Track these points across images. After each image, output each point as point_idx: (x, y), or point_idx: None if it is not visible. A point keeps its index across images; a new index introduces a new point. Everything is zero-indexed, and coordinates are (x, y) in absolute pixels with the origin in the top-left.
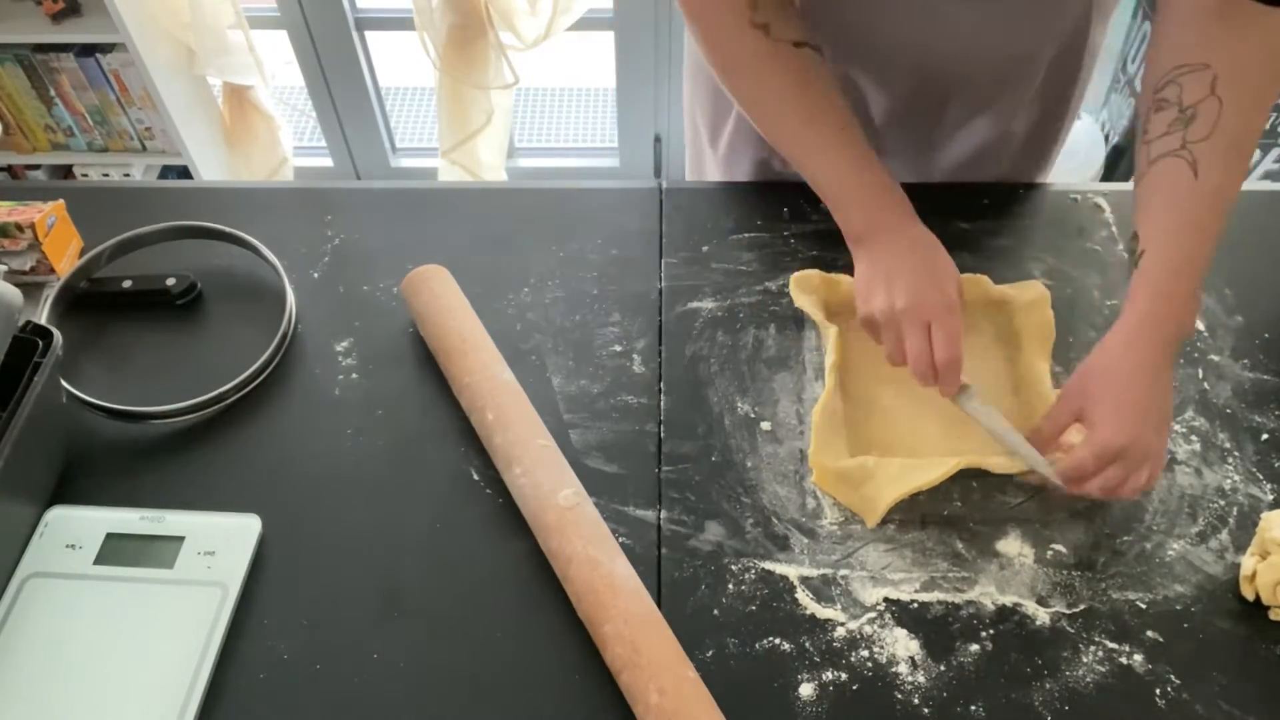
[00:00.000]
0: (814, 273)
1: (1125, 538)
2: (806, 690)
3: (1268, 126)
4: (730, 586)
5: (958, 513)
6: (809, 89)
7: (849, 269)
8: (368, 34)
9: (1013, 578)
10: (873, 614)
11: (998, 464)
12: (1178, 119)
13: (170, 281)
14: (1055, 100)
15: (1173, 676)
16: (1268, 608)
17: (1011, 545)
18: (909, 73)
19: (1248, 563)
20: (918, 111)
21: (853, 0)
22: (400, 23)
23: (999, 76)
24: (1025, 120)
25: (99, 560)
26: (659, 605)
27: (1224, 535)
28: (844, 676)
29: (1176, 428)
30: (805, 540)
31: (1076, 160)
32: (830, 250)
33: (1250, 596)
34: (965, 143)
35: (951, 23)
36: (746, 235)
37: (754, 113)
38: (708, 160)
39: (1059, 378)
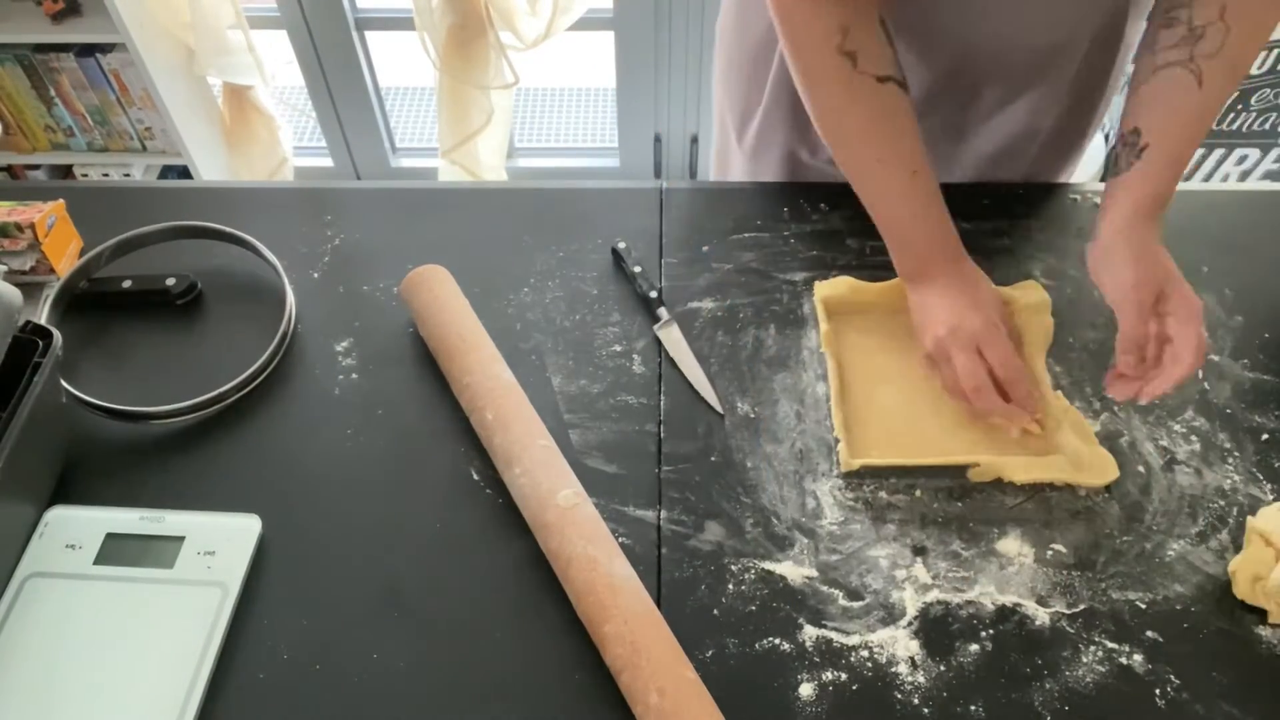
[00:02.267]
0: (843, 279)
1: (1125, 538)
2: (806, 690)
3: (1267, 126)
4: (730, 586)
5: (958, 513)
6: (885, 127)
7: (848, 269)
8: (368, 34)
9: (1013, 578)
10: (873, 614)
11: (1011, 464)
12: (1187, 35)
13: (170, 281)
14: (1085, 96)
15: (1172, 676)
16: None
17: (1011, 545)
18: (948, 53)
19: (1234, 562)
20: (952, 93)
21: None
22: (400, 23)
23: (1036, 63)
24: (1054, 115)
25: (99, 560)
26: (659, 605)
27: (1224, 535)
28: (844, 676)
29: (1176, 428)
30: (805, 540)
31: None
32: (830, 250)
33: (1239, 595)
34: (995, 133)
35: (994, 3)
36: (746, 235)
37: (827, 133)
38: (734, 154)
39: (1057, 377)
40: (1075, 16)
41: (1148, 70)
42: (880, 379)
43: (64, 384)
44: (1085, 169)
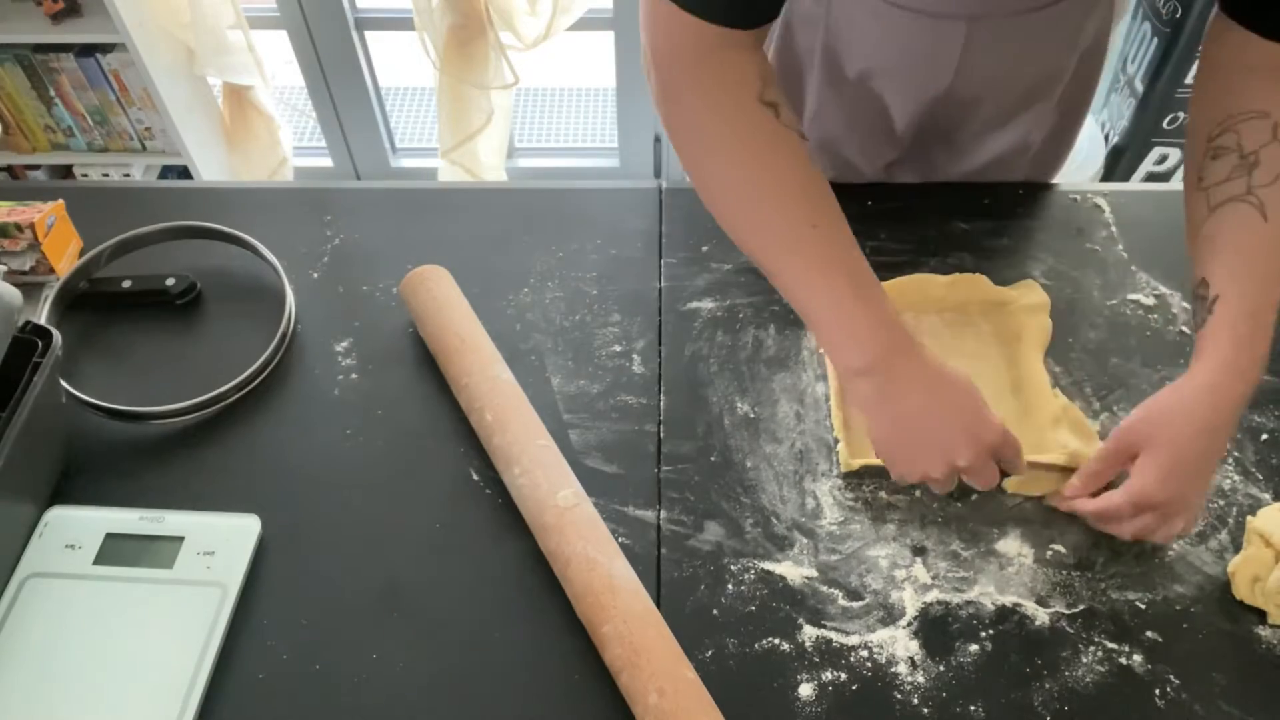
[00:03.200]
0: None
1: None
2: (806, 690)
3: None
4: (730, 587)
5: (957, 513)
6: (819, 188)
7: None
8: (368, 34)
9: (1012, 578)
10: (872, 614)
11: (1009, 482)
12: (1239, 165)
13: (170, 281)
14: (1072, 107)
15: (1172, 676)
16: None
17: (1011, 545)
18: (936, 87)
19: (1233, 562)
20: (941, 121)
21: (883, 13)
22: (400, 23)
23: (1026, 93)
24: (1043, 130)
25: (99, 560)
26: (658, 605)
27: (1223, 535)
28: (843, 676)
29: None
30: (805, 540)
31: (1076, 160)
32: None
33: (1238, 595)
34: (986, 150)
35: (982, 44)
36: None
37: (743, 198)
38: None
39: (1057, 377)
40: (1062, 46)
41: (1204, 211)
42: None
43: (64, 384)
44: (1085, 169)
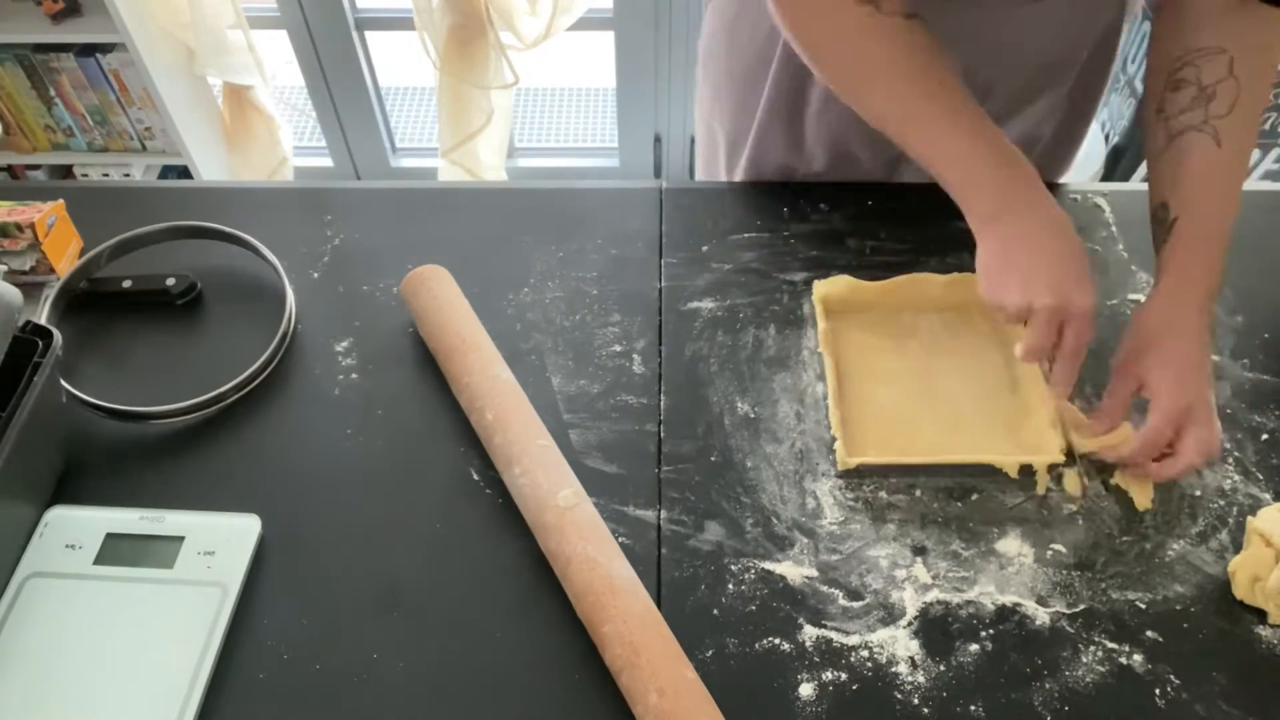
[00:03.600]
0: (842, 278)
1: (1125, 538)
2: (806, 690)
3: (1267, 127)
4: (730, 586)
5: (957, 513)
6: (923, 59)
7: (848, 269)
8: (368, 34)
9: (1012, 578)
10: (872, 614)
11: (999, 459)
12: (1198, 96)
13: (170, 281)
14: (1081, 103)
15: (1172, 677)
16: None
17: (1011, 545)
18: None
19: (1234, 562)
20: None
21: None
22: (400, 23)
23: (1037, 78)
24: (1053, 123)
25: (99, 560)
26: (658, 605)
27: (1224, 535)
28: (844, 676)
29: None
30: (805, 540)
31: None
32: (830, 250)
33: (1238, 595)
34: None
35: (998, 21)
36: (746, 235)
37: (857, 91)
38: (724, 172)
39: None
40: (1077, 31)
41: (1163, 139)
42: (879, 378)
43: (64, 384)
44: (1085, 169)
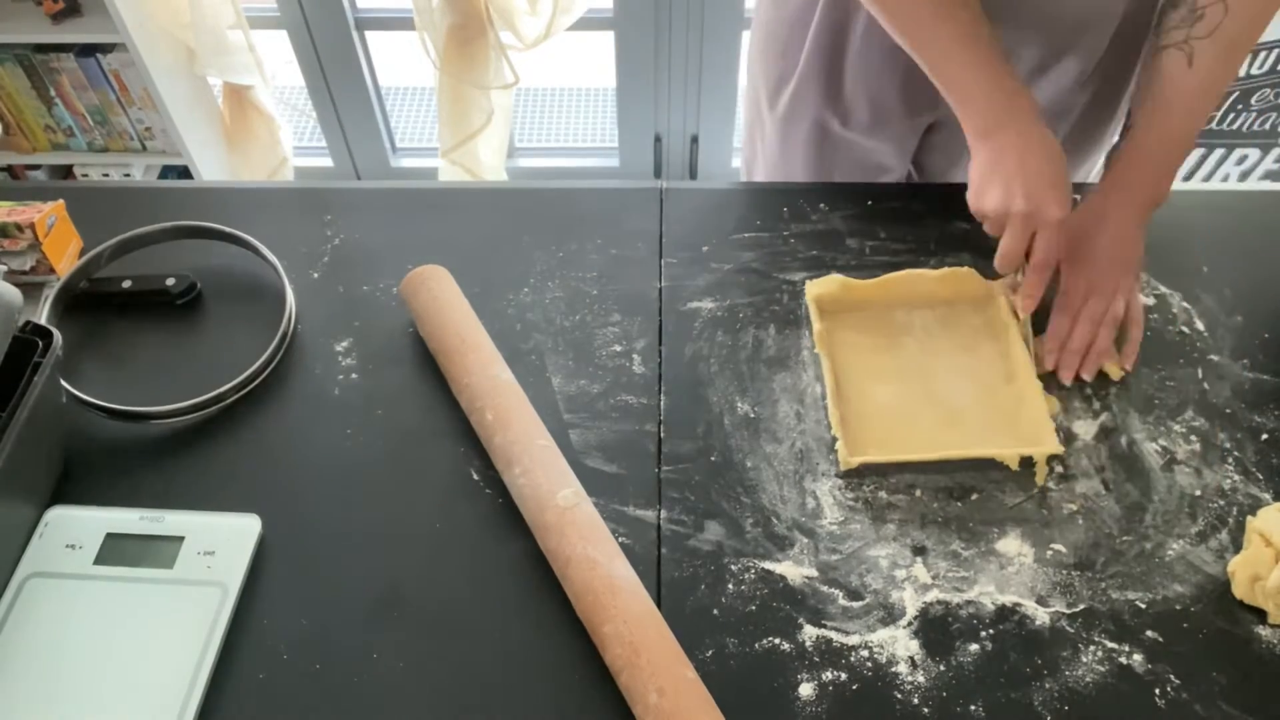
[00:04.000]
0: (834, 277)
1: (1125, 538)
2: (806, 690)
3: (1267, 126)
4: (730, 586)
5: (957, 512)
6: None
7: (847, 269)
8: (368, 34)
9: (1012, 577)
10: (872, 614)
11: (999, 453)
12: (1186, 16)
13: (170, 281)
14: (1112, 78)
15: (1172, 676)
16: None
17: (1011, 545)
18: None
19: (1233, 562)
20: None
21: None
22: (400, 23)
23: (1077, 20)
24: (1084, 97)
25: (99, 560)
26: (658, 605)
27: (1223, 535)
28: (844, 676)
29: (1176, 428)
30: (805, 540)
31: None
32: (830, 250)
33: (1238, 595)
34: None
35: None
36: (747, 235)
37: (885, 8)
38: (766, 123)
39: (1056, 377)
40: None
41: (1149, 53)
42: (876, 377)
43: (64, 384)
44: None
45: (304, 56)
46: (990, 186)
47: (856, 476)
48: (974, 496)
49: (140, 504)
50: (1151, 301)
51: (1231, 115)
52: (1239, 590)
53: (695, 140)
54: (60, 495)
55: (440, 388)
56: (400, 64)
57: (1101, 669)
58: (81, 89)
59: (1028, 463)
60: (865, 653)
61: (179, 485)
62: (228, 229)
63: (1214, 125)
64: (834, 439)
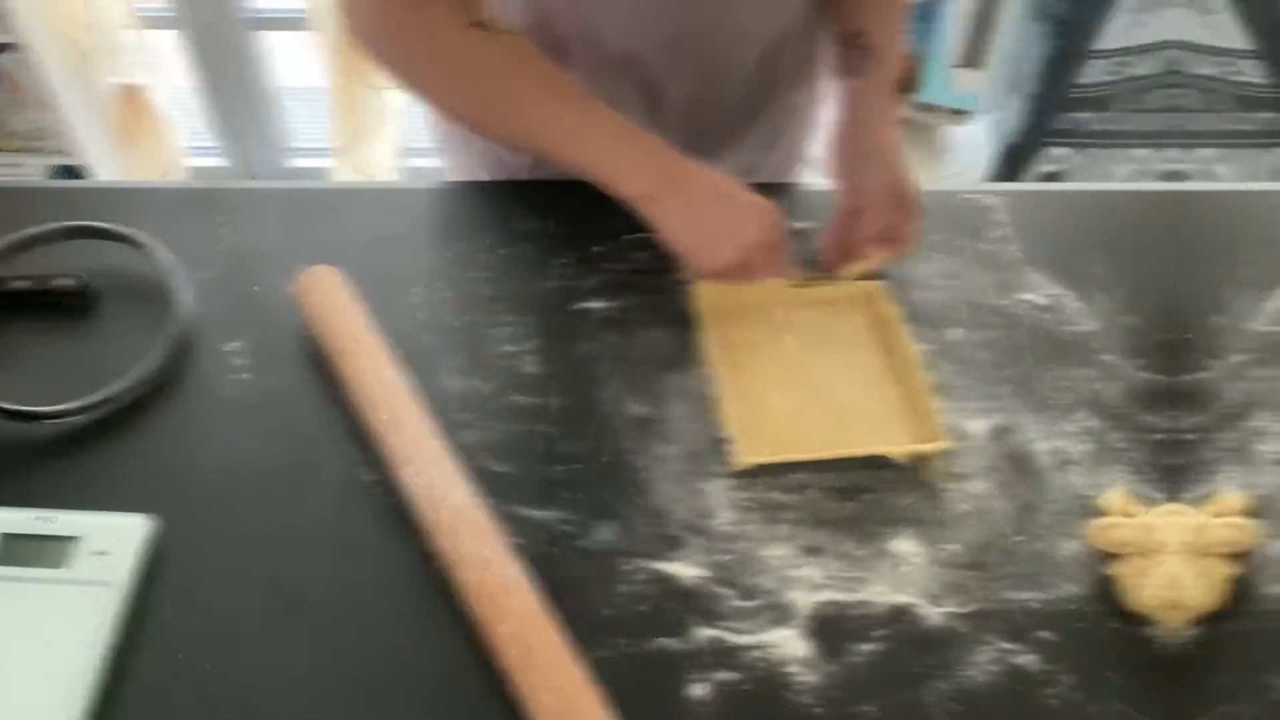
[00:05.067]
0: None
1: (1018, 538)
2: (698, 690)
3: (1161, 127)
4: (622, 587)
5: (850, 512)
6: (545, 68)
7: None
8: (261, 34)
9: (905, 577)
10: (765, 614)
11: (890, 450)
12: None
13: (62, 283)
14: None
15: (1065, 676)
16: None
17: (904, 545)
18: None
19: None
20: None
21: None
22: (294, 23)
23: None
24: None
25: None
26: (550, 606)
27: None
28: (736, 676)
29: (1069, 428)
30: (697, 540)
31: (963, 163)
32: None
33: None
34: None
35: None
36: (639, 235)
37: (491, 112)
38: (446, 151)
39: (950, 377)
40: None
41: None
42: (766, 377)
43: None
44: (973, 171)
45: (196, 56)
46: (715, 245)
47: (749, 477)
48: (867, 496)
49: (32, 504)
50: (1045, 302)
51: (1123, 115)
52: (1127, 601)
53: None
54: None
55: (333, 389)
56: (295, 64)
57: (994, 669)
58: None
59: (920, 460)
60: (758, 653)
61: (71, 486)
62: (120, 229)
63: (1110, 127)
64: (726, 439)
